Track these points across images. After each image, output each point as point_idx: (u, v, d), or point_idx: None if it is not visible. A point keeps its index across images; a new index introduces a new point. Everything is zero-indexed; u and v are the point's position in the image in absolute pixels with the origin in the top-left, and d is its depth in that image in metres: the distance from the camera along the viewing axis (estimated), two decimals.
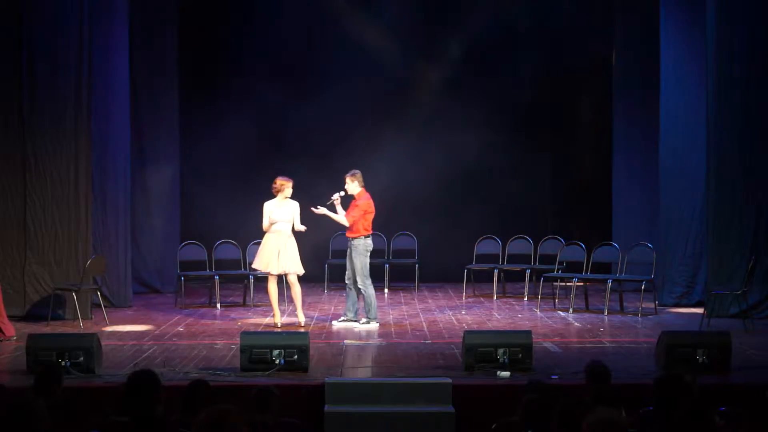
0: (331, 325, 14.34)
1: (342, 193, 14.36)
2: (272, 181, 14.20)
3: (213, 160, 18.69)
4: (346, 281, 14.44)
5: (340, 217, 14.34)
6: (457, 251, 18.23)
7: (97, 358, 10.84)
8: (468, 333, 11.22)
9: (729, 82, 14.84)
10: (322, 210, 14.33)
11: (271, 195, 14.14)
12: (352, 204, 14.38)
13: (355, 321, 14.33)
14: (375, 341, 13.05)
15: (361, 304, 14.39)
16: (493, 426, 7.48)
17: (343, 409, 10.06)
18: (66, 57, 14.74)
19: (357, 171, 14.46)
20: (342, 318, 14.51)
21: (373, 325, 14.17)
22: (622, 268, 15.93)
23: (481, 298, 17.18)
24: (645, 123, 17.12)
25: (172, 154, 18.34)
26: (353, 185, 14.35)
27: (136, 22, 16.89)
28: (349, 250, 14.41)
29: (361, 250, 14.27)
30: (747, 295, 14.21)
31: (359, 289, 14.24)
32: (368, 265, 14.34)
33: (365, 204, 14.30)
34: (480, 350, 10.89)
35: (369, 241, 14.36)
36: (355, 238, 14.29)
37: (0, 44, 14.35)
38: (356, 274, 14.25)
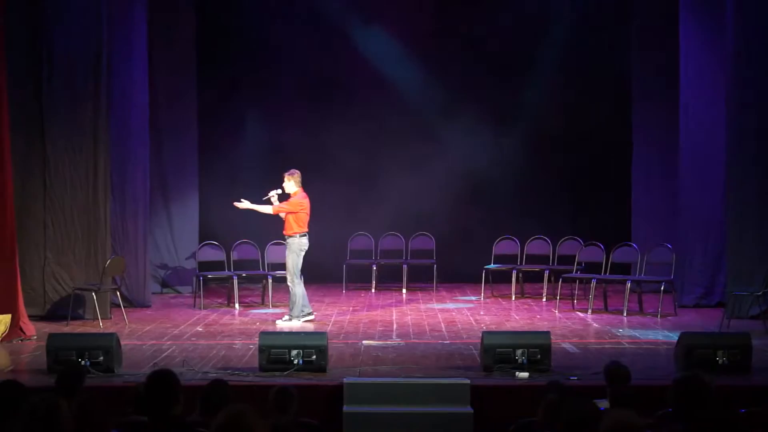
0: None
1: (279, 191, 14.53)
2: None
3: (232, 159, 18.71)
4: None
5: (264, 207, 14.53)
6: (476, 251, 18.20)
7: (116, 357, 10.87)
8: (486, 333, 11.20)
9: (749, 82, 14.81)
10: (245, 204, 14.60)
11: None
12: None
13: (311, 316, 14.58)
14: (393, 342, 13.03)
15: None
16: (512, 427, 7.47)
17: (361, 409, 10.07)
18: (85, 58, 14.79)
19: (296, 171, 14.60)
20: (304, 318, 14.65)
21: (294, 323, 14.38)
22: (642, 268, 15.88)
23: (500, 299, 17.17)
24: (664, 123, 17.07)
25: (190, 154, 18.36)
26: (290, 184, 14.51)
27: (154, 25, 16.90)
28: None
29: (294, 248, 14.44)
30: (767, 296, 14.16)
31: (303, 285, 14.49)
32: (300, 264, 14.50)
33: (296, 201, 14.41)
34: (498, 351, 10.88)
35: (304, 240, 14.47)
36: (290, 236, 14.44)
37: (20, 46, 14.36)
38: (287, 270, 14.43)
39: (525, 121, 19.23)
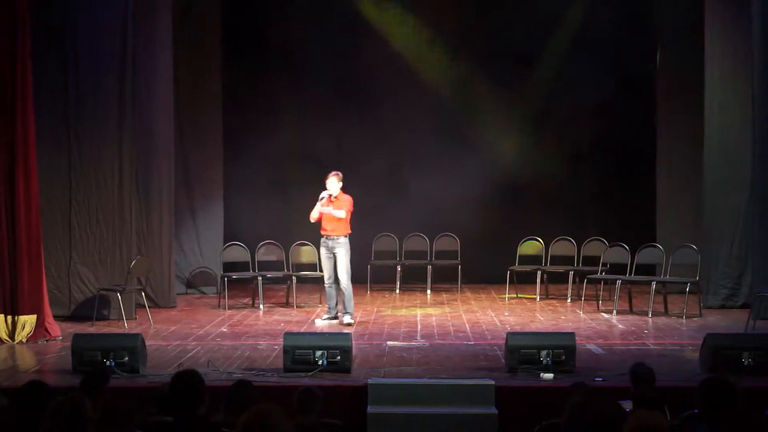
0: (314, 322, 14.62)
1: (329, 193, 14.37)
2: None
3: (256, 161, 18.72)
4: (327, 281, 14.52)
5: (339, 212, 14.36)
6: (500, 252, 18.18)
7: (141, 358, 10.89)
8: (511, 334, 11.18)
9: None
10: (324, 209, 14.43)
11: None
12: (334, 202, 14.37)
13: (335, 318, 14.52)
14: (418, 342, 13.02)
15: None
16: (537, 428, 7.46)
17: (385, 410, 10.05)
18: (110, 58, 14.81)
19: (339, 172, 14.49)
20: (325, 317, 14.64)
21: (352, 320, 14.37)
22: (667, 269, 15.82)
23: (524, 300, 17.14)
24: (689, 123, 16.98)
25: (215, 154, 18.41)
26: (340, 185, 14.39)
27: (179, 24, 16.93)
28: (327, 250, 14.43)
29: (348, 248, 14.42)
30: None
31: (340, 286, 14.36)
32: None
33: (350, 200, 14.46)
34: (523, 352, 10.85)
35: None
36: (343, 236, 14.40)
37: (45, 46, 14.41)
38: (343, 271, 14.32)
39: (549, 122, 19.22)
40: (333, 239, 14.40)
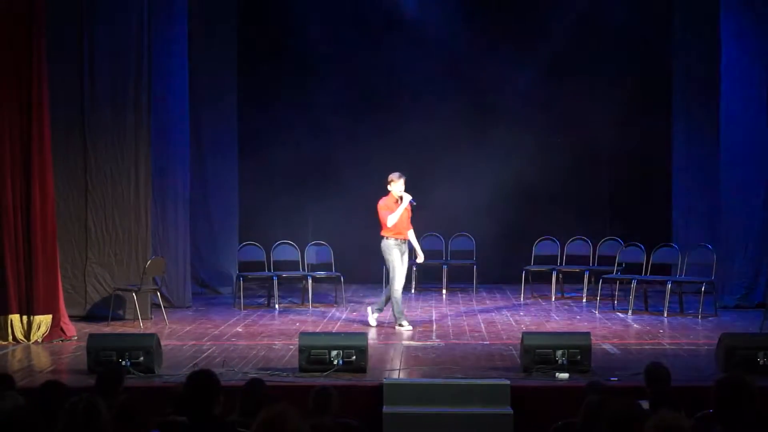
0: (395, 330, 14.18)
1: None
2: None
3: (272, 160, 18.73)
4: (403, 288, 14.16)
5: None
6: (516, 252, 18.17)
7: (156, 358, 10.91)
8: (526, 334, 11.17)
9: None
10: None
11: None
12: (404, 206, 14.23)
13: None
14: (433, 342, 13.01)
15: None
16: (552, 428, 7.45)
17: (401, 409, 10.06)
18: (126, 57, 14.86)
19: None
20: (407, 324, 14.07)
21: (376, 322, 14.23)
22: (682, 269, 15.80)
23: (540, 300, 17.12)
24: (705, 122, 16.95)
25: (230, 154, 18.43)
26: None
27: (194, 23, 16.95)
28: (401, 254, 14.09)
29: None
30: None
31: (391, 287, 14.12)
32: None
33: None
34: (538, 352, 10.85)
35: None
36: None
37: (61, 44, 14.42)
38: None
39: (565, 122, 19.16)
40: (406, 243, 14.17)
